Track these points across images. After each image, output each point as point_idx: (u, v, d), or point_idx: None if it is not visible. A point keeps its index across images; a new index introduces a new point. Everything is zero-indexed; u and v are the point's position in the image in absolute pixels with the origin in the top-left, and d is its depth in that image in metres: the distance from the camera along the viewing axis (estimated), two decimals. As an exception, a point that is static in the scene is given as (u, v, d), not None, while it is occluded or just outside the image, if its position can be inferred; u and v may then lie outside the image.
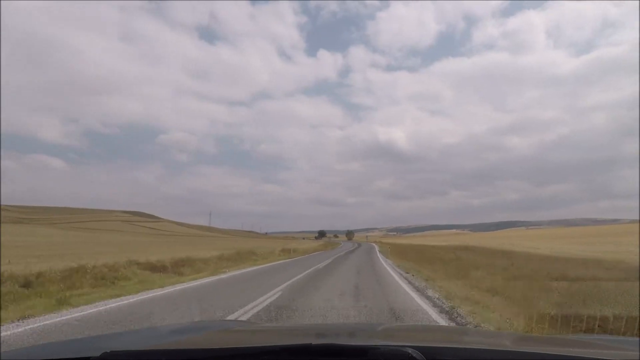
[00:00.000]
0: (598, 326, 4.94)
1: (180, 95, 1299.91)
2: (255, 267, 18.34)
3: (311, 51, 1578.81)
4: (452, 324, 6.08)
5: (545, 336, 3.58)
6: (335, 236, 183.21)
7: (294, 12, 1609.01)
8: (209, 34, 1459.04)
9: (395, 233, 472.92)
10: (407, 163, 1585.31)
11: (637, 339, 2.11)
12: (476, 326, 5.84)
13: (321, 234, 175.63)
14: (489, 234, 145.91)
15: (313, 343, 1.33)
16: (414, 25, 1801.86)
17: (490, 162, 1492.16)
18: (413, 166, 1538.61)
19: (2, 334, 5.31)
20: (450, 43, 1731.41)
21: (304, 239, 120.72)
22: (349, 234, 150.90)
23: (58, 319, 6.33)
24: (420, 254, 27.17)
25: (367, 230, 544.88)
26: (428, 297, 8.71)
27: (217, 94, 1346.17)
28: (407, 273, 14.55)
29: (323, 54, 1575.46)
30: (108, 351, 1.30)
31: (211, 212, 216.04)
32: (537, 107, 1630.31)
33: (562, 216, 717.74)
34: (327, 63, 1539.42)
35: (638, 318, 4.93)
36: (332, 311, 7.00)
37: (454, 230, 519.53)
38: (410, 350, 1.20)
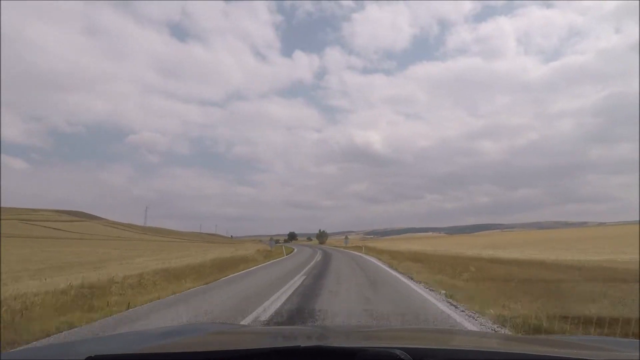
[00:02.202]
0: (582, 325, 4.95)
1: (150, 94, 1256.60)
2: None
3: (286, 51, 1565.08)
4: None
5: (536, 337, 3.59)
6: (309, 239, 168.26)
7: (269, 10, 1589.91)
8: (180, 31, 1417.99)
9: (372, 236, 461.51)
10: (382, 166, 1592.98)
11: (637, 340, 2.20)
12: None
13: (291, 237, 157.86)
14: (465, 237, 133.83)
15: (302, 345, 1.33)
16: (388, 28, 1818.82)
17: (463, 166, 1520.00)
18: (388, 169, 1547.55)
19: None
20: (424, 47, 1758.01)
21: (261, 241, 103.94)
22: (321, 237, 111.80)
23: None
24: (478, 271, 11.27)
25: (343, 233, 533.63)
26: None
27: (189, 93, 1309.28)
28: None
29: (299, 54, 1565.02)
30: (93, 355, 1.29)
31: (147, 209, 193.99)
32: (508, 112, 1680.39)
33: (533, 219, 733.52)
34: (303, 64, 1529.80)
35: (634, 320, 4.96)
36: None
37: (430, 233, 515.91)
38: (398, 352, 1.20)
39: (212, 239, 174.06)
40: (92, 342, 2.30)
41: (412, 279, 11.64)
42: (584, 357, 1.33)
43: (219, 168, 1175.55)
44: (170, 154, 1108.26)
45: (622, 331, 4.64)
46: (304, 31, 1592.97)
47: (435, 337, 2.34)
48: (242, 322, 5.98)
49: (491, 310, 6.22)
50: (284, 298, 8.32)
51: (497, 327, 5.47)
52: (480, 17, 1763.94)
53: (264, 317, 6.38)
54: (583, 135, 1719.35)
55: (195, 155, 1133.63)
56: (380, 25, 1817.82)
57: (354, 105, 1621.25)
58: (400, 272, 13.97)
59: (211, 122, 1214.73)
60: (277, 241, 51.71)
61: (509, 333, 5.04)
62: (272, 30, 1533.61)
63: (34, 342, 4.54)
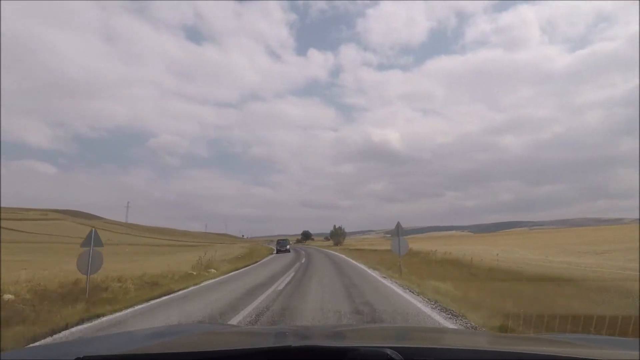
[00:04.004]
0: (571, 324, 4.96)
1: (169, 97, 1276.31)
2: None
3: (301, 50, 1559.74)
4: None
5: (530, 335, 3.57)
6: (326, 239, 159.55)
7: (282, 9, 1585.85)
8: (195, 34, 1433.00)
9: (391, 235, 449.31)
10: (400, 164, 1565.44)
11: (637, 339, 2.05)
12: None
13: (306, 236, 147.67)
14: (494, 236, 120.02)
15: (293, 345, 1.33)
16: (404, 22, 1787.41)
17: (484, 162, 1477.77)
18: (406, 167, 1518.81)
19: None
20: (442, 40, 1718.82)
21: (271, 241, 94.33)
22: (337, 235, 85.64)
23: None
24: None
25: (362, 232, 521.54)
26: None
27: (206, 95, 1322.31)
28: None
29: (313, 53, 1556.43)
30: (81, 356, 1.28)
31: (129, 204, 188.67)
32: (531, 105, 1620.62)
33: (560, 216, 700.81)
34: (318, 62, 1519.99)
35: (633, 318, 4.97)
36: None
37: (454, 232, 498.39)
38: (389, 351, 1.21)
39: (221, 239, 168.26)
40: (82, 343, 2.39)
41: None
42: (584, 357, 1.30)
43: (236, 169, 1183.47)
44: (189, 156, 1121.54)
45: (622, 331, 4.68)
46: (317, 29, 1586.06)
47: (425, 336, 2.32)
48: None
49: None
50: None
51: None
52: (500, 6, 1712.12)
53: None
54: (612, 127, 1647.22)
55: (213, 157, 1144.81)
56: (395, 20, 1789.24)
57: (370, 103, 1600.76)
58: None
59: (228, 124, 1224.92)
60: (282, 241, 43.10)
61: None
62: (285, 29, 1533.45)
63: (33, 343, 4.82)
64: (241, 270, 18.98)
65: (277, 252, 39.11)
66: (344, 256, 29.89)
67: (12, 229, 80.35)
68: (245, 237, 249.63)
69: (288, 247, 42.24)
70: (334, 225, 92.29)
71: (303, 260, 24.12)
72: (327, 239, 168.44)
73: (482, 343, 1.96)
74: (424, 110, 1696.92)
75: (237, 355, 1.34)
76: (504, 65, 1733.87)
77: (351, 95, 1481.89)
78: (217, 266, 19.11)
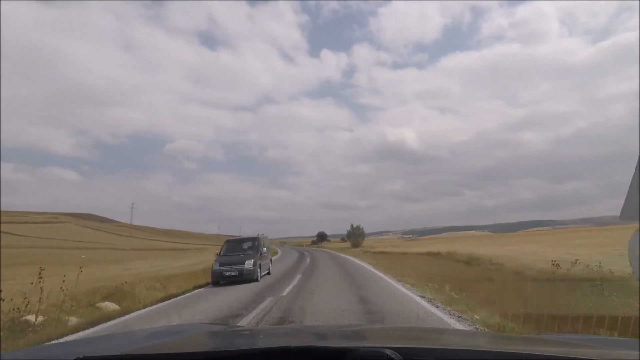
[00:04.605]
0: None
1: (185, 102, 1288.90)
2: None
3: (314, 51, 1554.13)
4: None
5: (530, 336, 3.56)
6: (343, 240, 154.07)
7: (293, 11, 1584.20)
8: (209, 39, 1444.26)
9: (410, 236, 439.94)
10: (417, 163, 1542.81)
11: (637, 339, 2.06)
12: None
13: (321, 237, 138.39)
14: (517, 236, 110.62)
15: (292, 345, 1.32)
16: (417, 19, 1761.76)
17: (503, 159, 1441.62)
18: (424, 167, 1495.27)
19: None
20: (457, 36, 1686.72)
21: (285, 243, 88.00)
22: (355, 236, 73.38)
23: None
24: None
25: (380, 233, 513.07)
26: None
27: (221, 100, 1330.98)
28: None
29: (326, 53, 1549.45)
30: (81, 356, 1.28)
31: (133, 205, 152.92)
32: (551, 99, 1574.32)
33: (586, 214, 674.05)
34: (331, 63, 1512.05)
35: (633, 318, 4.93)
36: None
37: (473, 232, 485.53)
38: (388, 352, 1.20)
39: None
40: (82, 343, 2.38)
41: None
42: (584, 357, 1.28)
43: (252, 172, 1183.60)
44: (206, 161, 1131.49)
45: (622, 331, 4.67)
46: (330, 30, 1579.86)
47: (425, 336, 2.30)
48: None
49: None
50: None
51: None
52: None
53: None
54: (637, 120, 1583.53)
55: (230, 161, 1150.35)
56: (408, 18, 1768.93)
57: (385, 102, 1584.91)
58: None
59: (243, 127, 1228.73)
60: (283, 243, 38.22)
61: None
62: (298, 31, 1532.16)
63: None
64: (172, 301, 10.38)
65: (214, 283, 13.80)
66: (368, 267, 18.54)
67: (9, 233, 78.11)
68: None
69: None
70: (352, 225, 76.32)
71: (295, 284, 12.47)
72: (343, 240, 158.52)
73: (482, 343, 1.97)
74: (440, 108, 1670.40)
75: (237, 356, 1.35)
76: (522, 60, 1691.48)
77: (366, 95, 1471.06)
78: (142, 295, 10.78)
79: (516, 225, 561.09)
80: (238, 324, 6.55)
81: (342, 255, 35.24)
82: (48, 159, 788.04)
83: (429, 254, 28.30)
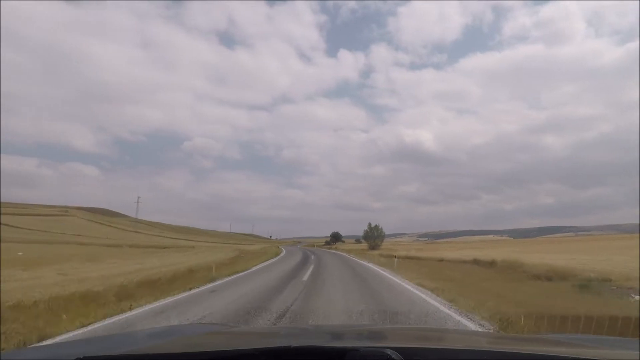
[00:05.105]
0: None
1: (202, 101, 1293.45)
2: None
3: (331, 51, 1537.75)
4: None
5: (530, 336, 3.52)
6: (358, 241, 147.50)
7: (312, 11, 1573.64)
8: (227, 39, 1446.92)
9: (425, 239, 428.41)
10: (434, 166, 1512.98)
11: (637, 339, 2.05)
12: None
13: (335, 238, 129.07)
14: (539, 242, 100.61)
15: (292, 345, 1.32)
16: (437, 19, 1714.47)
17: (523, 163, 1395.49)
18: (440, 169, 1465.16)
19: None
20: (477, 37, 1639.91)
21: (299, 242, 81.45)
22: (372, 237, 66.29)
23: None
24: None
25: (394, 235, 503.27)
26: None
27: (238, 99, 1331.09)
28: None
29: (344, 54, 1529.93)
30: (82, 357, 1.27)
31: (139, 199, 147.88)
32: (575, 102, 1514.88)
33: (610, 221, 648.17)
34: (348, 63, 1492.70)
35: (633, 318, 4.91)
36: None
37: (491, 236, 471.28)
38: (389, 352, 1.19)
39: (246, 239, 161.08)
40: (82, 343, 2.34)
41: None
42: (584, 357, 1.29)
43: (267, 171, 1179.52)
44: (222, 159, 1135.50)
45: (622, 331, 4.62)
46: (348, 29, 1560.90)
47: (426, 336, 2.25)
48: None
49: None
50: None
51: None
52: None
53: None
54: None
55: (246, 160, 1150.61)
56: (427, 17, 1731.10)
57: (402, 103, 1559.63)
58: None
59: (259, 127, 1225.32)
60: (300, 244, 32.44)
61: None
62: (316, 31, 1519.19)
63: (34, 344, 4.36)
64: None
65: None
66: (407, 285, 12.04)
67: (8, 224, 74.86)
68: (272, 237, 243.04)
69: None
70: (369, 224, 67.33)
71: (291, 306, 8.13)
72: (358, 241, 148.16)
73: (482, 343, 1.93)
74: (459, 110, 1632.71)
75: (237, 356, 1.33)
76: (546, 61, 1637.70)
77: (382, 96, 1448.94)
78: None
79: (536, 230, 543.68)
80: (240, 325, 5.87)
81: (363, 262, 25.43)
82: (71, 154, 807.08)
83: (476, 262, 22.04)
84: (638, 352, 1.46)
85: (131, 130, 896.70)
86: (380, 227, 66.00)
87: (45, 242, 38.96)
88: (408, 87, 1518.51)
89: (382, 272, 17.53)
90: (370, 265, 22.69)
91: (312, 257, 31.56)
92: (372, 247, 59.09)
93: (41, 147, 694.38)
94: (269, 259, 27.53)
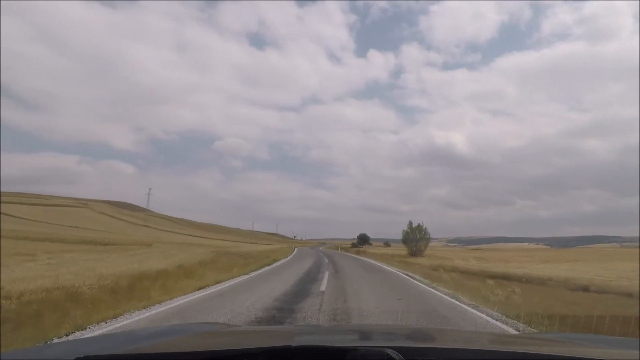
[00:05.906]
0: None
1: (233, 102, 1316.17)
2: None
3: (361, 52, 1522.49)
4: None
5: (531, 335, 3.49)
6: (387, 244, 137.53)
7: (342, 11, 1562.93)
8: (258, 40, 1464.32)
9: (455, 244, 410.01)
10: (466, 169, 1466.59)
11: (637, 339, 2.04)
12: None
13: (362, 240, 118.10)
14: (575, 251, 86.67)
15: (293, 344, 1.32)
16: (471, 17, 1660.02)
17: (562, 168, 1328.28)
18: (473, 172, 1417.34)
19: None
20: (514, 35, 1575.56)
21: (324, 243, 73.03)
22: (412, 240, 49.57)
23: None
24: None
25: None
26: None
27: (268, 99, 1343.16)
28: None
29: (373, 54, 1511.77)
30: (82, 356, 1.27)
31: (150, 190, 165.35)
32: (621, 103, 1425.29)
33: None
34: (378, 63, 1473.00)
35: (633, 318, 4.84)
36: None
37: (526, 244, 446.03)
38: (389, 351, 1.19)
39: (269, 238, 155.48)
40: (82, 343, 2.33)
41: None
42: (584, 357, 1.29)
43: (296, 172, 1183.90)
44: (251, 159, 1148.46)
45: (622, 331, 4.52)
46: (378, 29, 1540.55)
47: (425, 336, 2.25)
48: None
49: None
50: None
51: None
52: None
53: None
54: None
55: (275, 160, 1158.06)
56: (461, 16, 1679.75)
57: (434, 104, 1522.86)
58: None
59: (288, 127, 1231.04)
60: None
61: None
62: (345, 31, 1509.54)
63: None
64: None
65: None
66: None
67: (10, 215, 70.89)
68: (297, 237, 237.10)
69: None
70: (410, 223, 51.45)
71: None
72: (387, 244, 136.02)
73: (482, 343, 1.95)
74: (493, 111, 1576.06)
75: (237, 355, 1.33)
76: (589, 60, 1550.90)
77: (413, 97, 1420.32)
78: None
79: (575, 239, 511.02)
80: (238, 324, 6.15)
81: (416, 279, 15.35)
82: (109, 153, 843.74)
83: (571, 284, 12.89)
84: (638, 352, 1.47)
85: (166, 130, 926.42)
86: (424, 226, 53.27)
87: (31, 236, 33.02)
88: (440, 88, 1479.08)
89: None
90: (424, 287, 12.34)
91: (326, 273, 16.95)
92: (414, 253, 48.11)
93: (82, 144, 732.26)
94: (274, 262, 18.50)
